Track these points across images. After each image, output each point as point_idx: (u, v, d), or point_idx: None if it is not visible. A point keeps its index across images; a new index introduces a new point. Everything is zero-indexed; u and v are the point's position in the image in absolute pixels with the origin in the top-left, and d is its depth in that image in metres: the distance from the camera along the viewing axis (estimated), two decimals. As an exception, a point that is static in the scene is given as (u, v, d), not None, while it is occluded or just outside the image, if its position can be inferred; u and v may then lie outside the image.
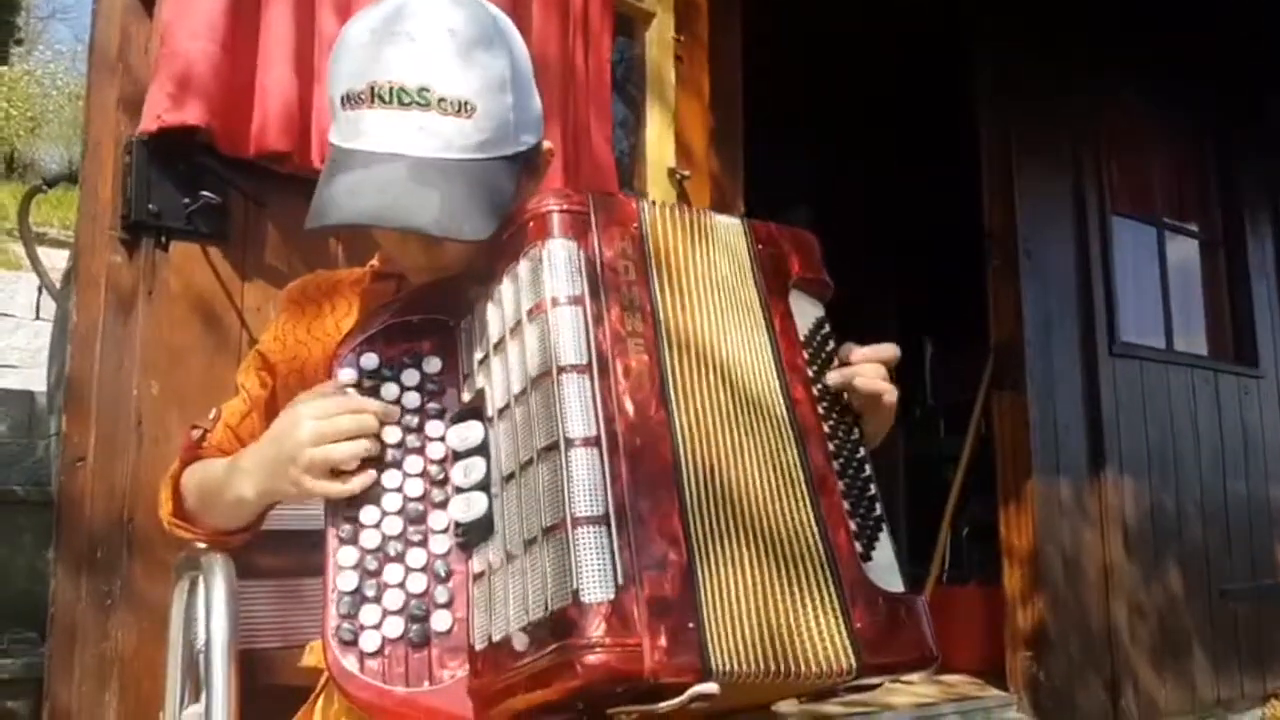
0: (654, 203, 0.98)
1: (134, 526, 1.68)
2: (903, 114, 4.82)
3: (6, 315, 5.11)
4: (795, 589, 0.87)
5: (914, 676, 3.53)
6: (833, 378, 1.01)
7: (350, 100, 0.97)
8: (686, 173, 2.57)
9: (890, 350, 1.05)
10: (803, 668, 0.85)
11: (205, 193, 1.74)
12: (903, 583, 0.94)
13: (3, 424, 4.08)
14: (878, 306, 5.76)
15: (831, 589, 0.89)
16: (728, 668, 0.81)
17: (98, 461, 1.68)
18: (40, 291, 5.25)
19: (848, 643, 0.87)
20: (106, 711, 1.64)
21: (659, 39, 2.63)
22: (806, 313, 1.04)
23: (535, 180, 1.13)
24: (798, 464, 0.93)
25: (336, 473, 0.94)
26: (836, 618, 0.87)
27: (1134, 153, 4.08)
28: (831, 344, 1.04)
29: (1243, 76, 4.29)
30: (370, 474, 0.94)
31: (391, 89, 0.96)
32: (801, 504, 0.91)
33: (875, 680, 0.91)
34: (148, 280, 1.74)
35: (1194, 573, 3.78)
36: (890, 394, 1.03)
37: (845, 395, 1.01)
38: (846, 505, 0.95)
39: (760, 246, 1.02)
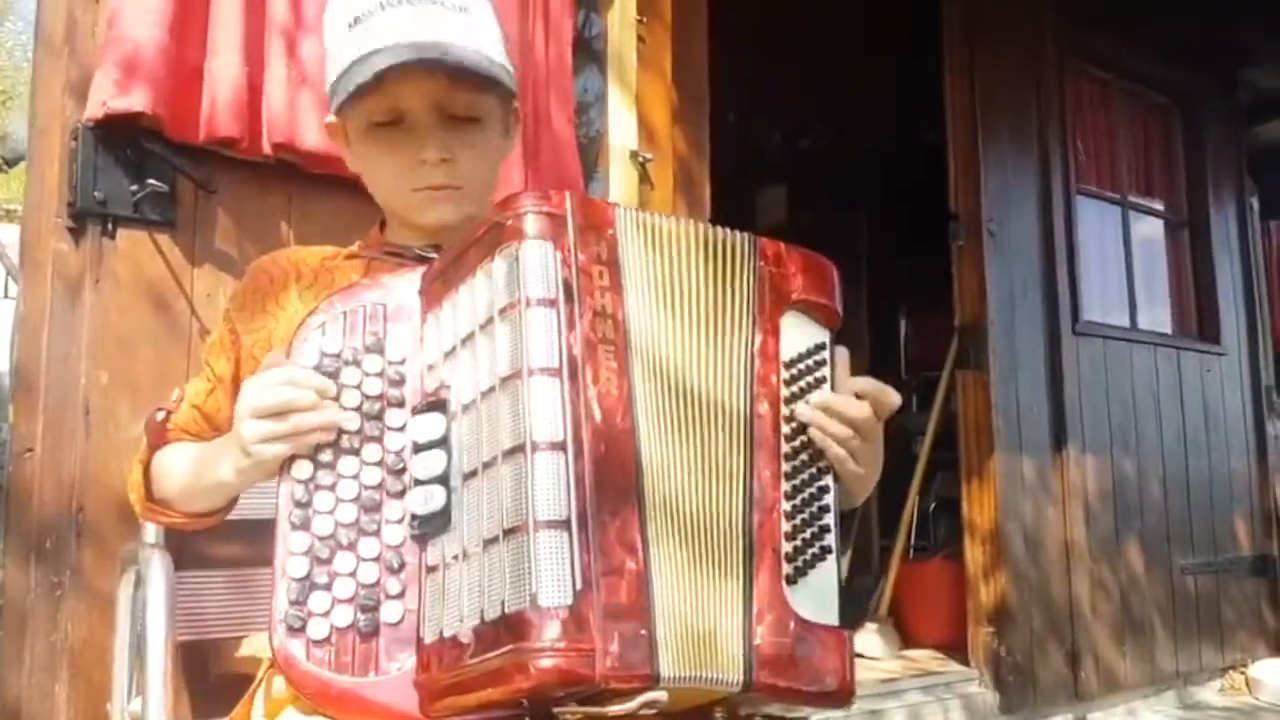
0: (629, 209, 0.97)
1: (83, 517, 1.67)
2: (878, 84, 4.79)
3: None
4: (720, 601, 0.89)
5: (880, 652, 3.58)
6: (803, 413, 0.99)
7: (358, 20, 1.11)
8: (649, 155, 2.56)
9: (855, 407, 1.01)
10: (715, 677, 0.86)
11: (152, 181, 1.72)
12: (838, 617, 0.94)
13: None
14: (848, 278, 5.78)
15: (740, 603, 0.89)
16: (675, 674, 0.82)
17: (46, 451, 1.67)
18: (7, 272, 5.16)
19: (740, 657, 0.88)
20: (57, 702, 1.63)
21: (621, 20, 2.61)
22: (804, 335, 1.02)
23: (510, 136, 1.24)
24: (741, 478, 0.93)
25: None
26: (738, 632, 0.88)
27: (1101, 130, 4.10)
28: (825, 370, 1.02)
29: (1215, 50, 4.30)
30: (312, 439, 0.93)
31: None
32: (736, 518, 0.92)
33: (792, 713, 0.93)
34: (95, 268, 1.72)
35: (1155, 548, 3.83)
36: (854, 456, 0.99)
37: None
38: (787, 527, 0.94)
39: (763, 264, 1.01)
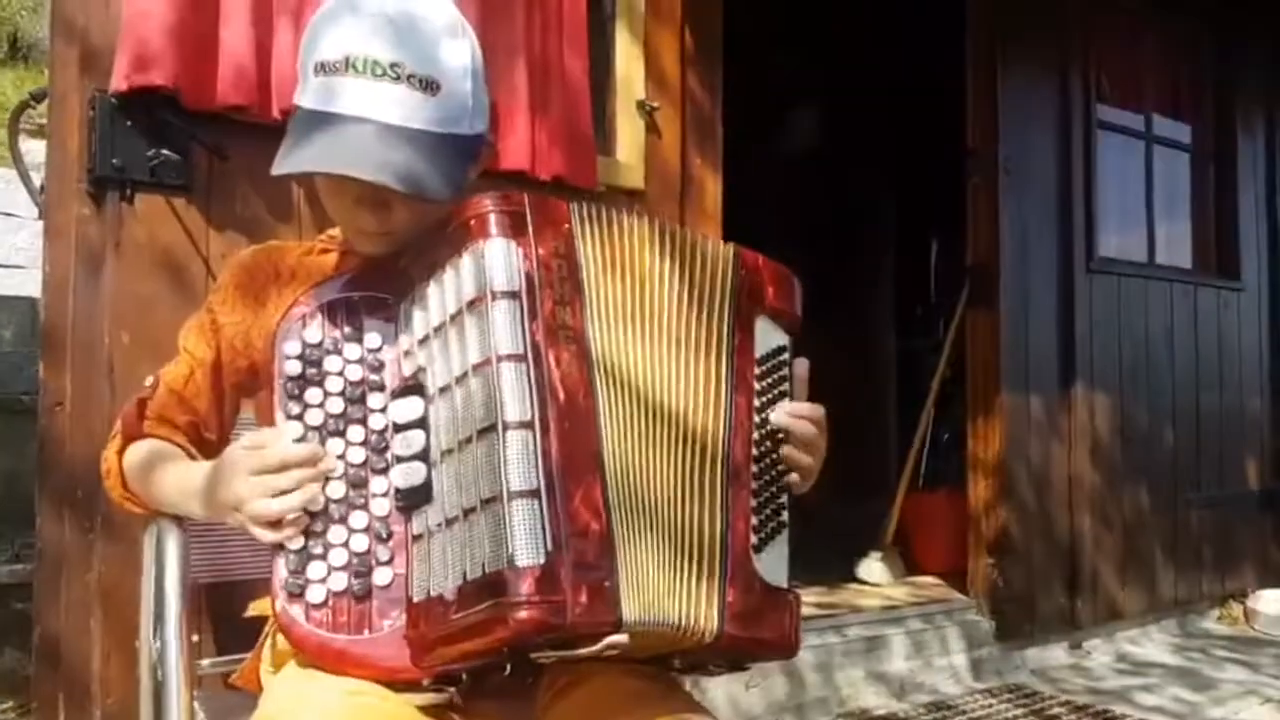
0: (584, 204, 1.04)
1: (112, 468, 1.79)
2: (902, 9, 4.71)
3: (9, 215, 5.09)
4: (692, 563, 1.00)
5: (884, 578, 3.70)
6: (775, 418, 1.11)
7: (324, 68, 1.04)
8: (655, 104, 2.58)
9: (815, 411, 1.15)
10: (686, 626, 0.98)
11: (165, 151, 1.79)
12: (787, 580, 1.07)
13: (6, 330, 4.17)
14: (874, 204, 5.77)
15: (717, 567, 1.01)
16: (638, 619, 0.93)
17: (75, 406, 1.78)
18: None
19: (715, 612, 1.00)
20: (92, 638, 1.78)
21: (627, -35, 2.60)
22: (770, 338, 1.14)
23: (476, 166, 1.19)
24: (720, 456, 1.05)
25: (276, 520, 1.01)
26: (714, 591, 1.01)
27: (1126, 60, 4.02)
28: (785, 370, 1.14)
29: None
30: (305, 521, 1.00)
31: (366, 60, 1.03)
32: (713, 491, 1.03)
33: (743, 655, 1.04)
34: (114, 233, 1.81)
35: (1162, 483, 3.89)
36: (812, 460, 1.13)
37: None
38: (754, 503, 1.06)
39: (744, 272, 1.12)
